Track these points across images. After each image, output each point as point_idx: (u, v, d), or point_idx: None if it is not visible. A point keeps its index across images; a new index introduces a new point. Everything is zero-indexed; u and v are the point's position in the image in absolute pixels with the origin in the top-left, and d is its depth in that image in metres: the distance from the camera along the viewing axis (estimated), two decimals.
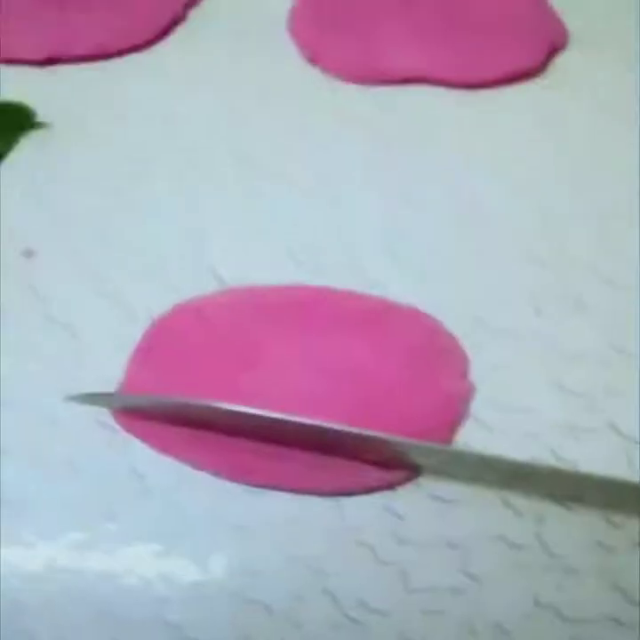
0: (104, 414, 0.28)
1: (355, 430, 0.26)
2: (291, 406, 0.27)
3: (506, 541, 0.26)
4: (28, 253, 0.32)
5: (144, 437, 0.27)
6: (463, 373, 0.29)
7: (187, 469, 0.27)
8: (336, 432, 0.26)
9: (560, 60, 0.39)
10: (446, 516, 0.26)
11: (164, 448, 0.27)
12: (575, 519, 0.26)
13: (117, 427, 0.28)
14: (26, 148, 0.36)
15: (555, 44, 0.38)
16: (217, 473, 0.27)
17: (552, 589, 0.25)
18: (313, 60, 0.38)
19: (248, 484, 0.27)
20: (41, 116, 0.36)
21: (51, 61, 0.38)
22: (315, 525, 0.26)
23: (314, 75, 0.38)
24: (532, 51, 0.38)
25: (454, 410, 0.28)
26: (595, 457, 0.27)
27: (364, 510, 0.26)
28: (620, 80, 0.38)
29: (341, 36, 0.38)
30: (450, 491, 0.26)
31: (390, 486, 0.26)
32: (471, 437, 0.27)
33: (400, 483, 0.27)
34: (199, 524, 0.26)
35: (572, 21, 0.40)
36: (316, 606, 0.25)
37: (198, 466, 0.27)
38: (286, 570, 0.25)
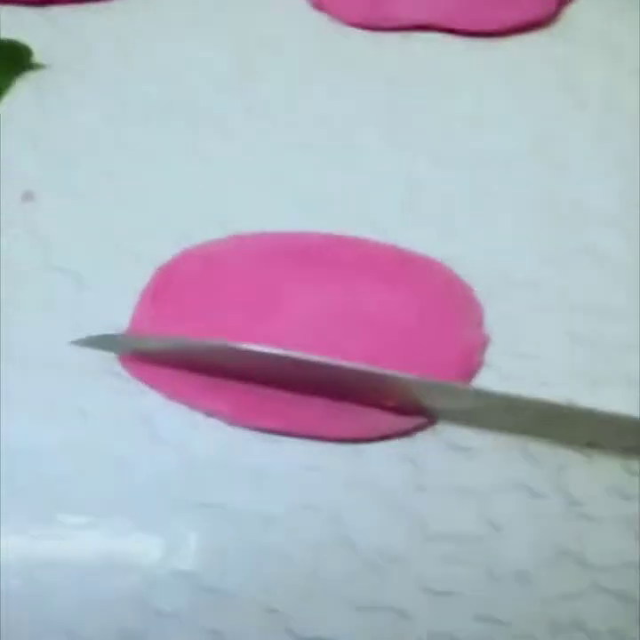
0: (111, 361, 0.27)
1: (373, 370, 0.25)
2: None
3: (526, 489, 0.25)
4: (28, 196, 0.32)
5: (153, 383, 0.27)
6: (479, 323, 0.28)
7: (198, 416, 0.26)
8: (354, 372, 0.26)
9: (571, 10, 0.38)
10: (465, 464, 0.26)
11: (174, 393, 0.27)
12: (596, 467, 0.26)
13: (125, 373, 0.27)
14: (23, 89, 0.35)
15: None
16: (229, 418, 0.26)
17: (573, 537, 0.25)
18: (319, 5, 0.38)
19: (261, 429, 0.26)
20: (38, 57, 0.36)
21: (48, 2, 0.38)
22: (332, 473, 0.25)
23: (320, 20, 0.38)
24: (543, 1, 0.37)
25: (470, 359, 0.27)
26: (610, 407, 0.26)
27: (382, 457, 0.26)
28: (632, 29, 0.37)
29: None
30: (468, 438, 0.26)
31: (407, 433, 0.26)
32: (487, 386, 0.27)
33: (418, 429, 0.26)
34: (212, 471, 0.25)
35: None
36: (335, 554, 0.24)
37: (210, 411, 0.26)
38: (303, 518, 0.25)
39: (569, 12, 0.38)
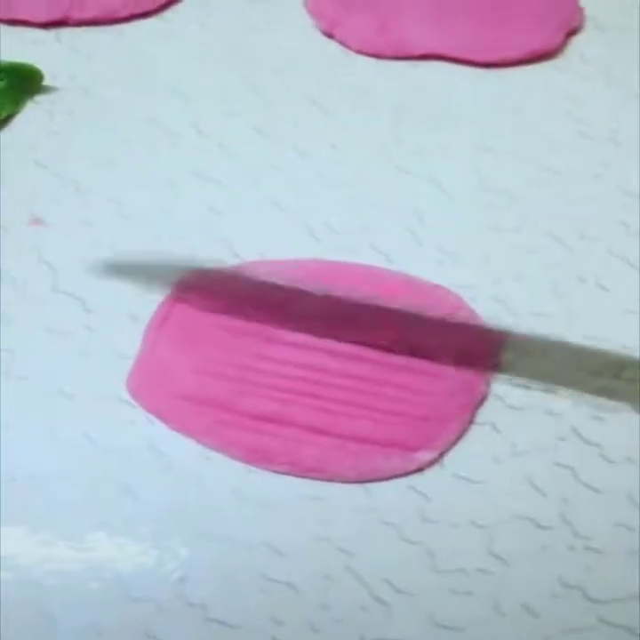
0: (119, 388, 0.27)
1: (374, 300, 0.27)
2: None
3: (532, 522, 0.25)
4: (37, 220, 0.32)
5: (163, 418, 0.27)
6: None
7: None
8: (425, 318, 0.26)
9: (577, 42, 0.38)
10: (472, 497, 0.26)
11: (183, 430, 0.27)
12: (601, 500, 0.26)
13: (133, 401, 0.27)
14: (34, 112, 0.35)
15: (572, 26, 0.38)
16: (238, 459, 0.26)
17: (579, 570, 0.25)
18: (329, 32, 0.38)
19: (268, 470, 0.26)
20: (49, 79, 0.36)
21: (59, 24, 0.38)
22: (340, 505, 0.26)
23: (330, 47, 0.38)
24: (550, 32, 0.37)
25: (476, 388, 0.28)
26: (616, 437, 0.27)
27: (389, 490, 0.26)
28: (637, 61, 0.38)
29: (358, 9, 0.38)
30: (475, 471, 0.26)
31: (414, 471, 0.26)
32: (492, 416, 0.27)
33: (423, 467, 0.26)
34: (221, 503, 0.25)
35: (589, 4, 0.39)
36: (343, 587, 0.24)
37: (217, 449, 0.26)
38: (312, 550, 0.25)
39: (575, 44, 0.39)
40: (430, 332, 0.28)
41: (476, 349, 0.28)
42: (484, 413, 0.27)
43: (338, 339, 0.28)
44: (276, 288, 0.28)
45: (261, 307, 0.28)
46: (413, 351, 0.28)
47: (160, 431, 0.27)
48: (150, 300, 0.29)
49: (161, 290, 0.29)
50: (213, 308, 0.28)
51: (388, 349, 0.28)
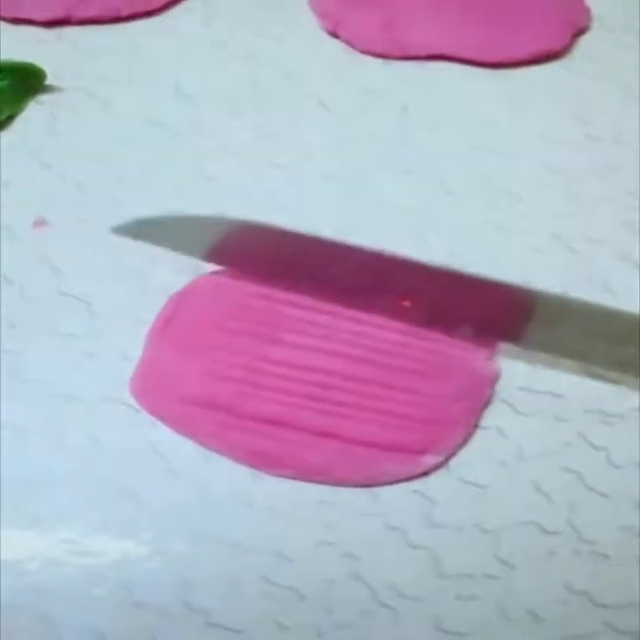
0: (122, 390, 0.27)
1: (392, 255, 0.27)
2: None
3: (538, 527, 0.25)
4: (40, 222, 0.31)
5: (167, 421, 0.27)
6: (491, 355, 0.28)
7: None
8: (462, 276, 0.27)
9: (584, 42, 0.38)
10: (478, 502, 0.26)
11: (187, 433, 0.26)
12: (607, 505, 0.26)
13: (136, 404, 0.27)
14: (36, 112, 0.35)
15: (579, 27, 0.38)
16: (239, 461, 0.26)
17: (585, 576, 0.25)
18: (334, 32, 0.37)
19: (273, 474, 0.26)
20: (52, 78, 0.35)
21: (62, 22, 0.37)
22: (345, 509, 0.25)
23: (335, 47, 0.37)
24: (557, 32, 0.37)
25: (481, 391, 0.27)
26: (623, 442, 0.27)
27: (395, 494, 0.26)
28: None
29: (363, 8, 0.38)
30: (481, 475, 0.26)
31: (420, 475, 0.26)
32: (498, 419, 0.27)
33: (429, 471, 0.26)
34: (225, 506, 0.25)
35: (596, 4, 0.39)
36: (348, 592, 0.24)
37: (221, 453, 0.26)
38: (317, 555, 0.25)
39: (582, 44, 0.38)
40: (454, 293, 0.28)
41: (498, 314, 0.27)
42: (490, 417, 0.27)
43: (365, 300, 0.28)
44: (315, 242, 0.28)
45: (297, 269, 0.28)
46: (435, 314, 0.28)
47: (164, 434, 0.27)
48: (155, 302, 0.29)
49: (195, 251, 0.29)
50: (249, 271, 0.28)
51: (410, 313, 0.28)
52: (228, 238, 0.29)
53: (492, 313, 0.28)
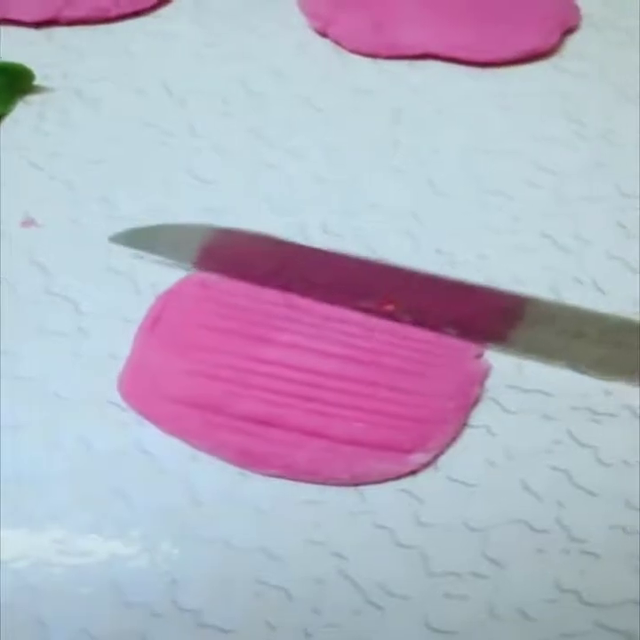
0: (111, 391, 0.27)
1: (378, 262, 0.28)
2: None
3: (527, 525, 0.25)
4: (28, 222, 0.31)
5: (155, 420, 0.27)
6: (479, 354, 0.28)
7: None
8: (445, 281, 0.27)
9: (573, 41, 0.38)
10: (466, 500, 0.26)
11: (175, 433, 0.26)
12: (596, 503, 0.26)
13: (125, 404, 0.27)
14: (24, 112, 0.35)
15: (568, 26, 0.38)
16: (230, 462, 0.26)
17: (574, 574, 0.25)
18: (323, 31, 0.37)
19: (261, 473, 0.26)
20: (40, 79, 0.36)
21: (50, 23, 0.37)
22: (333, 509, 0.25)
23: (325, 47, 0.38)
24: (546, 31, 0.37)
25: (470, 389, 0.27)
26: (609, 440, 0.27)
27: (382, 493, 0.26)
28: (632, 60, 0.37)
29: (352, 8, 0.38)
30: (469, 474, 0.26)
31: (408, 473, 0.26)
32: (486, 418, 0.27)
33: (417, 469, 0.26)
34: (214, 506, 0.25)
35: (585, 3, 0.39)
36: (336, 591, 0.24)
37: (209, 452, 0.26)
38: (305, 554, 0.25)
39: (571, 43, 0.38)
40: (438, 297, 0.28)
41: (482, 317, 0.28)
42: (479, 416, 0.27)
43: (348, 304, 0.28)
44: (299, 250, 0.29)
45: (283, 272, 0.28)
46: (419, 317, 0.28)
47: (152, 434, 0.27)
48: (143, 302, 0.29)
49: (185, 258, 0.29)
50: (235, 272, 0.28)
51: (393, 316, 0.28)
52: (218, 247, 0.29)
53: (477, 317, 0.28)
